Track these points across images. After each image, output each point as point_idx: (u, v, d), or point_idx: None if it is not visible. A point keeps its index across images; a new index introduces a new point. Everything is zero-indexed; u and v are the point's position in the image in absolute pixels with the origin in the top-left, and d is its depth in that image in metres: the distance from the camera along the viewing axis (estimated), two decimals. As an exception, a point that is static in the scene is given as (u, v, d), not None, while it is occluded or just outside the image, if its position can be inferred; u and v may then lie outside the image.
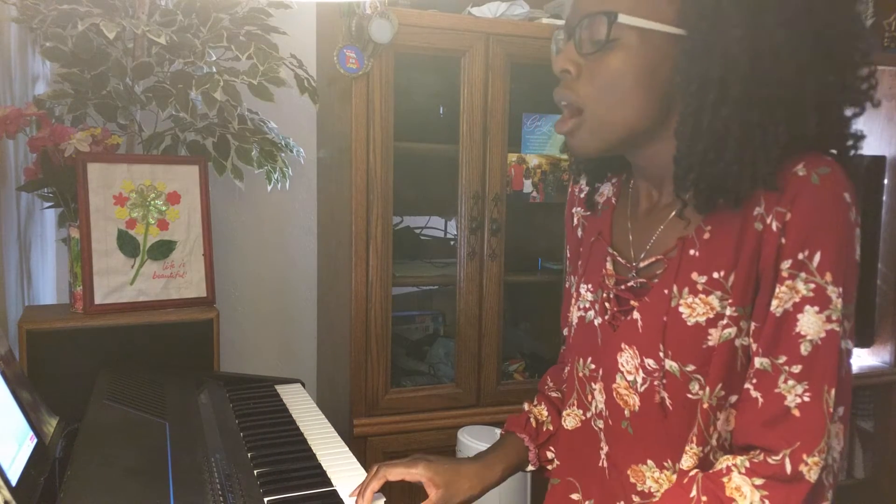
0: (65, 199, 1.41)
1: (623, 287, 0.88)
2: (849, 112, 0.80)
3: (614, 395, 0.88)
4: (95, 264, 1.36)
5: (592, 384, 0.93)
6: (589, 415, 0.95)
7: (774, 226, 0.75)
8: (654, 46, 0.78)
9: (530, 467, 1.05)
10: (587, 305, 0.94)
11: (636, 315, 0.85)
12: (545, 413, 1.07)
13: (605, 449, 0.91)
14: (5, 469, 0.74)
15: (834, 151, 0.80)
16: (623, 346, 0.86)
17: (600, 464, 0.92)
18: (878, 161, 2.29)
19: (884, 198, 2.31)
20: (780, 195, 0.75)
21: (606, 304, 0.90)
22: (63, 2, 1.40)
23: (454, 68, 1.76)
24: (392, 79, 1.69)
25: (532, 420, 1.07)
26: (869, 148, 2.30)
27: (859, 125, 0.81)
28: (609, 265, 0.91)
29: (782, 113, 0.74)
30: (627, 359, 0.85)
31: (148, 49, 1.53)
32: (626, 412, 0.86)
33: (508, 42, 1.76)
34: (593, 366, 0.93)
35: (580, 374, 0.95)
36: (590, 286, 0.94)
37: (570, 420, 0.98)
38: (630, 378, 0.85)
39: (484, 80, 1.75)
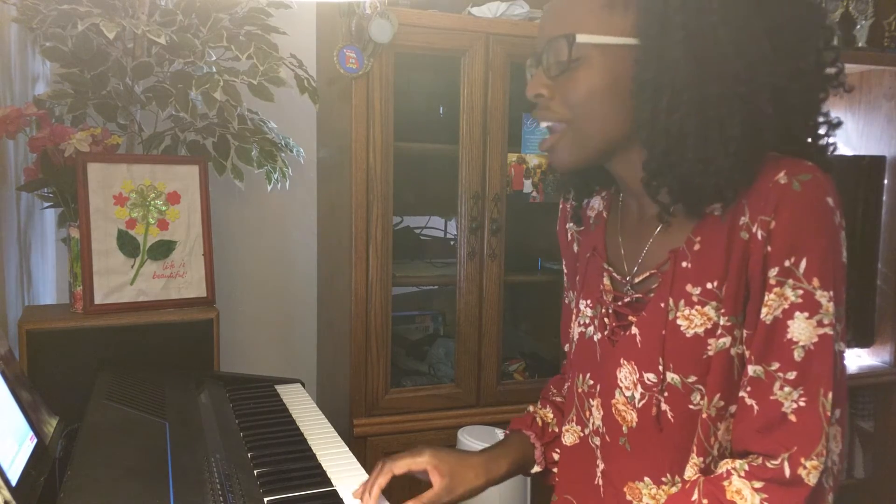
0: (65, 199, 1.41)
1: (620, 303, 0.89)
2: (816, 97, 0.80)
3: (612, 411, 0.88)
4: (95, 264, 1.36)
5: (591, 400, 0.93)
6: (587, 431, 0.94)
7: (760, 234, 0.75)
8: (617, 59, 0.79)
9: (536, 468, 1.03)
10: (587, 321, 0.94)
11: (634, 330, 0.85)
12: (550, 415, 1.07)
13: (601, 466, 0.91)
14: (5, 469, 0.74)
15: (810, 140, 0.81)
16: (622, 361, 0.86)
17: (596, 481, 0.92)
18: (878, 161, 2.28)
19: (884, 198, 2.30)
20: (763, 204, 0.75)
21: (605, 320, 0.90)
22: (63, 2, 1.40)
23: (454, 68, 1.76)
24: (392, 79, 1.69)
25: (538, 419, 1.06)
26: (869, 148, 2.30)
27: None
28: (606, 281, 0.91)
29: (738, 106, 0.74)
30: (626, 374, 0.86)
31: (148, 49, 1.53)
32: (624, 428, 0.86)
33: (508, 42, 1.76)
34: (592, 381, 0.92)
35: (579, 390, 0.95)
36: (589, 302, 0.94)
37: (569, 436, 0.98)
38: (628, 394, 0.85)
39: (484, 80, 1.75)
